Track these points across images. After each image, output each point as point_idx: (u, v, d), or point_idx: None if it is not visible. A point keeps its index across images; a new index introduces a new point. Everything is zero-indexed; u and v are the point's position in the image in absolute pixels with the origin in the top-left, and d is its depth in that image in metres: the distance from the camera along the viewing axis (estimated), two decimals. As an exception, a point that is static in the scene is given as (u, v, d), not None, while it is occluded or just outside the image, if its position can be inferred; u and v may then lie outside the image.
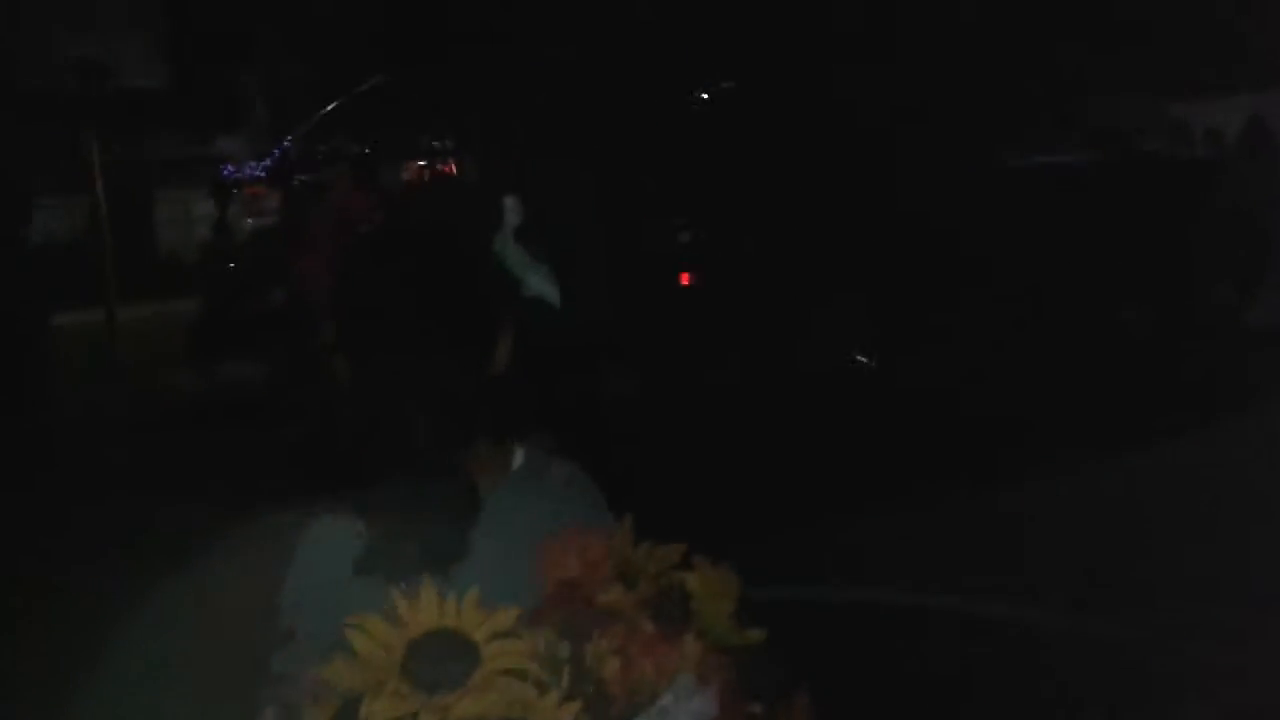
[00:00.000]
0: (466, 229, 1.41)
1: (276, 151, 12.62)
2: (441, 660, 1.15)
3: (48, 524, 5.74)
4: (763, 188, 6.49)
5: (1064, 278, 6.73)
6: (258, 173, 14.21)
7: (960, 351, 6.31)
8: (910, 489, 4.95)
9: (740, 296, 6.17)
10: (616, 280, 4.96)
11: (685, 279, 5.96)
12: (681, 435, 5.13)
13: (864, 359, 6.56)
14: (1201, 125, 9.60)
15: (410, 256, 1.36)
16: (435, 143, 13.70)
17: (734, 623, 1.27)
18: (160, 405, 9.14)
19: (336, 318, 1.38)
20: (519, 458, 1.41)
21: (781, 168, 6.61)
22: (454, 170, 15.12)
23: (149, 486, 6.33)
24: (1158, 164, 8.38)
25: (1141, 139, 8.91)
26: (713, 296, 6.11)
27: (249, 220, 13.36)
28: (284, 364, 7.70)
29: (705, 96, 7.14)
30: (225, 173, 15.47)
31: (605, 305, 4.60)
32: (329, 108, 13.55)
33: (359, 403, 1.33)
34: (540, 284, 1.37)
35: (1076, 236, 6.85)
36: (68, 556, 5.13)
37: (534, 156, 7.09)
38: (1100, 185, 7.65)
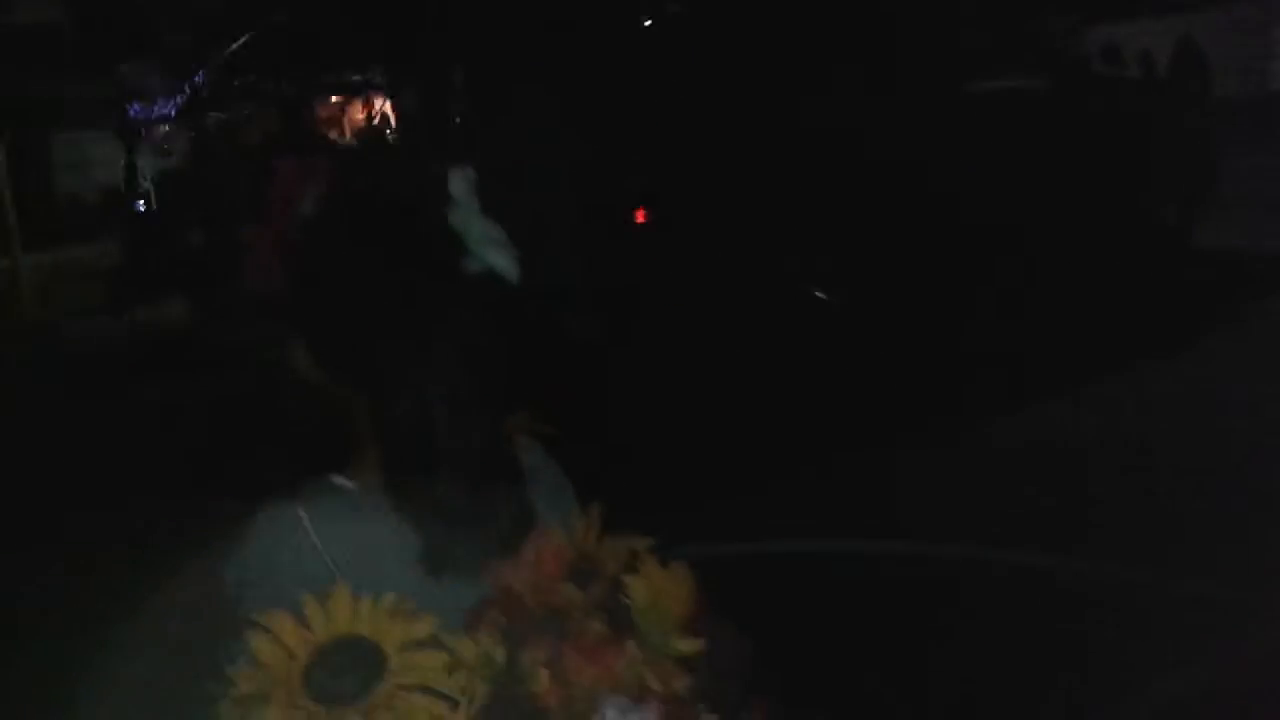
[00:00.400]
0: (421, 201, 1.32)
1: (187, 89, 12.22)
2: (345, 670, 1.08)
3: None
4: (719, 119, 6.36)
5: (1028, 213, 6.70)
6: (166, 111, 13.78)
7: (926, 289, 6.29)
8: (888, 433, 4.93)
9: (697, 234, 6.06)
10: (574, 225, 4.81)
11: (640, 216, 5.81)
12: (650, 385, 5.04)
13: (823, 295, 6.50)
14: (1131, 47, 9.62)
15: (367, 238, 1.28)
16: (357, 77, 13.36)
17: (678, 631, 1.22)
18: (85, 356, 8.97)
19: (294, 307, 1.30)
20: None
21: (739, 97, 6.48)
22: (378, 107, 14.81)
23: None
24: (1103, 87, 8.37)
25: (1079, 63, 8.89)
26: (669, 235, 5.98)
27: (157, 161, 12.98)
28: (208, 308, 7.56)
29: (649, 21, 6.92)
30: (132, 112, 15.00)
31: (568, 258, 4.50)
32: (241, 40, 13.13)
33: (332, 396, 1.27)
34: (496, 254, 1.31)
35: (1035, 167, 6.83)
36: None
37: (482, 97, 6.86)
38: (1050, 112, 7.64)
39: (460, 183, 1.33)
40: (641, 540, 1.26)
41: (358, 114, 15.55)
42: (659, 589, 1.23)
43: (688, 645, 1.20)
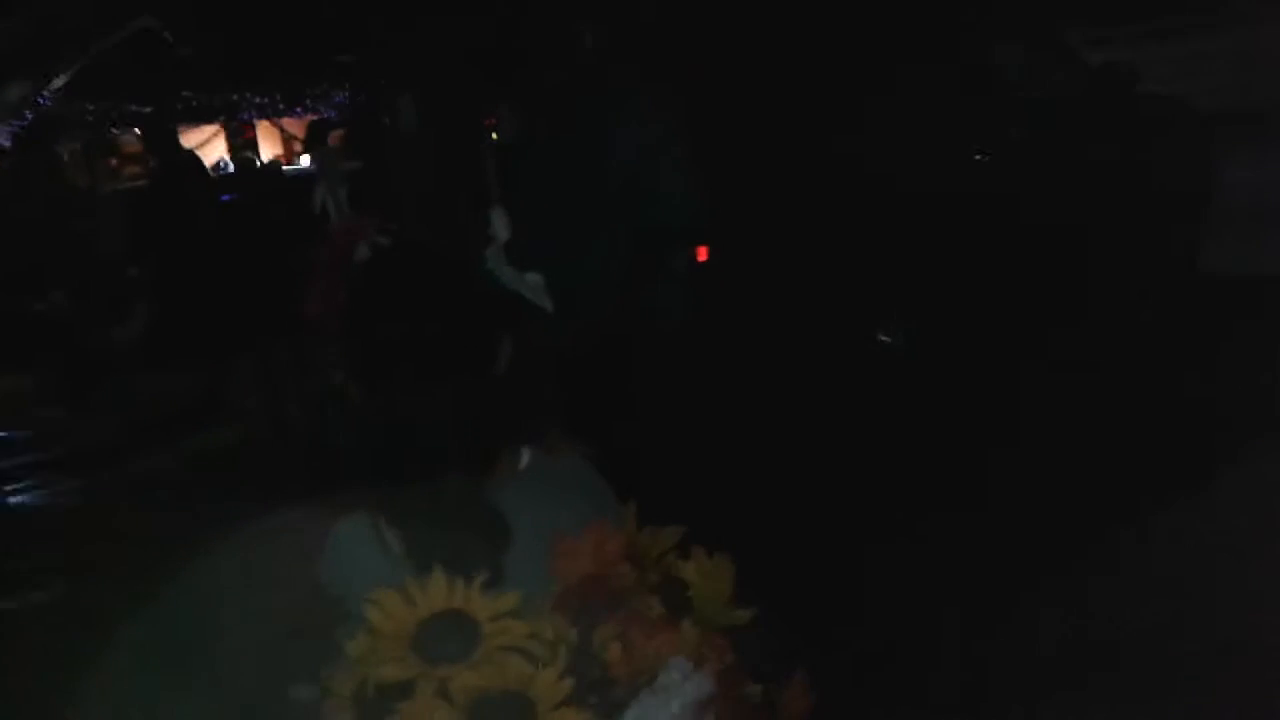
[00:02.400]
0: (461, 248, 1.81)
1: (28, 113, 12.50)
2: (446, 637, 1.52)
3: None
4: (778, 153, 6.95)
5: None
6: (-1, 140, 13.98)
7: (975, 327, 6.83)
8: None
9: (758, 273, 6.59)
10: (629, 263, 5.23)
11: (703, 254, 6.28)
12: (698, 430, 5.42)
13: (888, 338, 7.08)
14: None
15: (414, 283, 1.77)
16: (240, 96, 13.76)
17: (728, 606, 1.67)
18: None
19: (346, 345, 1.76)
20: (525, 458, 1.81)
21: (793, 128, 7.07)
22: (254, 133, 15.25)
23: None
24: (1115, 102, 8.99)
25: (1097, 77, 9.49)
26: (730, 273, 6.46)
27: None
28: (71, 376, 7.80)
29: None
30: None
31: (606, 298, 4.94)
32: (87, 59, 13.43)
33: (374, 421, 1.71)
34: (532, 292, 1.69)
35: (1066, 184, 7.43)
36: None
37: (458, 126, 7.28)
38: (1076, 128, 8.28)
39: (496, 226, 1.83)
40: (675, 529, 1.71)
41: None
42: (708, 571, 1.69)
43: (739, 616, 1.64)
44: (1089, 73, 8.78)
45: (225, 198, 9.50)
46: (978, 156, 7.61)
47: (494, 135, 8.06)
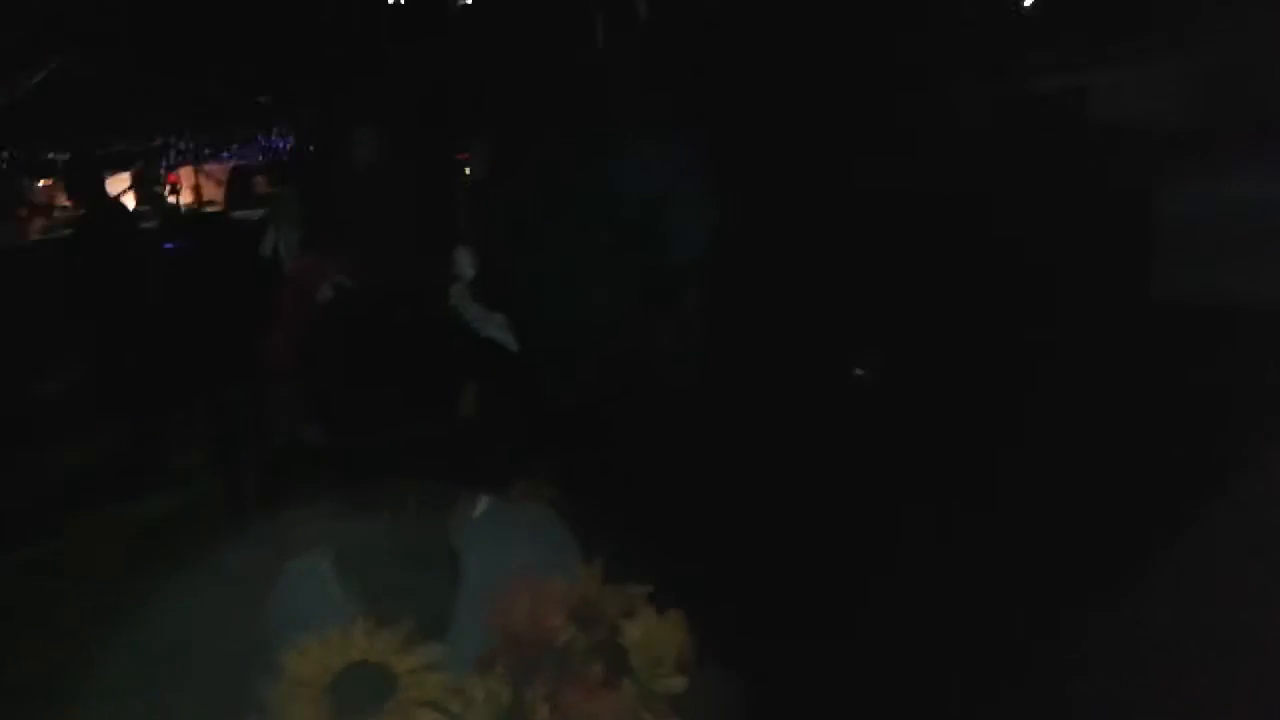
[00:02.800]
0: (425, 289, 1.79)
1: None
2: (362, 688, 1.50)
3: None
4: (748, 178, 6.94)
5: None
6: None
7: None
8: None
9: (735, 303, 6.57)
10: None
11: None
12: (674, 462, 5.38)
13: (862, 372, 7.10)
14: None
15: (377, 324, 1.75)
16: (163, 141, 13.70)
17: (669, 670, 1.61)
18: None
19: (309, 390, 1.73)
20: (483, 503, 1.80)
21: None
22: (179, 179, 15.15)
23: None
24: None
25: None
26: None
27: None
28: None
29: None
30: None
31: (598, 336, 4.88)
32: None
33: (333, 462, 1.69)
34: (497, 332, 1.70)
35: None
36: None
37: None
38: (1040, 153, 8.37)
39: (461, 265, 1.83)
40: (642, 587, 1.68)
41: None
42: (653, 632, 1.63)
43: (675, 684, 1.61)
44: (1039, 98, 8.92)
45: (167, 245, 9.32)
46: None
47: (466, 170, 8.05)
